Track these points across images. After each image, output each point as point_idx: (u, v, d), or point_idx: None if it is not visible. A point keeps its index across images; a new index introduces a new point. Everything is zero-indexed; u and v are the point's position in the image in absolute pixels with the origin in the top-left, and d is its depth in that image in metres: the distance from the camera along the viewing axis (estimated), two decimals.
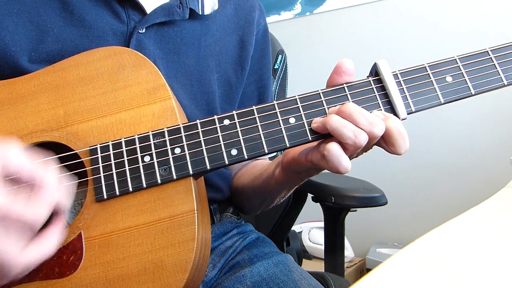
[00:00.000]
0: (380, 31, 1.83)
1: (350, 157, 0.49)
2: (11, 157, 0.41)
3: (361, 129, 0.47)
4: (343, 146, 0.47)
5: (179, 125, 0.51)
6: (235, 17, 0.76)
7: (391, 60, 0.51)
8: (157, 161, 0.50)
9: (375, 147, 0.51)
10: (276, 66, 1.03)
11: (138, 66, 0.54)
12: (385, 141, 0.49)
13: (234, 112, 0.51)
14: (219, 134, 0.50)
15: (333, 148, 0.47)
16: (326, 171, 0.52)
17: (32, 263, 0.42)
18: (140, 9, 0.65)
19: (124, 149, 0.50)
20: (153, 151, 0.50)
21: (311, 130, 0.50)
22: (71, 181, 0.52)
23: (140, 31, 0.64)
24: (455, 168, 1.73)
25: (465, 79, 0.51)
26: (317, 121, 0.50)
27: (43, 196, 0.42)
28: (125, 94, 0.53)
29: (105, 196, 0.49)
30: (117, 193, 0.49)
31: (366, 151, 0.51)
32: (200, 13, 0.70)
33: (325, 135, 0.49)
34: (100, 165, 0.50)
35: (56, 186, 0.43)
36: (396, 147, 0.48)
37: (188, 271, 0.47)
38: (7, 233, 0.40)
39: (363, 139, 0.46)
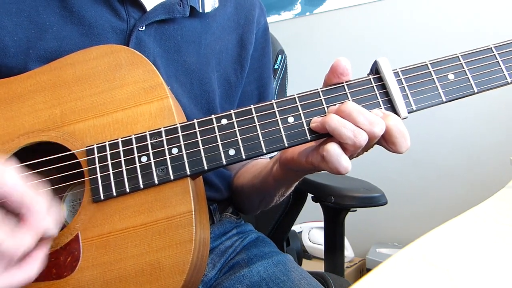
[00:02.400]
0: (380, 31, 1.83)
1: (350, 157, 0.48)
2: (2, 182, 0.40)
3: (361, 128, 0.46)
4: (343, 146, 0.47)
5: (176, 124, 0.50)
6: (235, 16, 0.76)
7: (392, 60, 0.51)
8: (154, 162, 0.49)
9: (375, 146, 0.50)
10: (276, 66, 1.03)
11: (134, 65, 0.54)
12: (385, 140, 0.48)
13: (232, 112, 0.50)
14: (217, 134, 0.50)
15: (332, 148, 0.46)
16: None
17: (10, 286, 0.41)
18: (140, 7, 0.65)
19: (121, 149, 0.50)
20: (150, 151, 0.50)
21: (310, 129, 0.49)
22: (67, 183, 0.51)
23: (140, 29, 0.64)
24: (455, 168, 1.73)
25: (467, 77, 0.50)
26: (316, 121, 0.49)
27: (30, 224, 0.41)
28: (122, 93, 0.53)
29: (102, 197, 0.49)
30: (114, 194, 0.49)
31: (366, 151, 0.50)
32: (201, 11, 0.69)
33: (324, 135, 0.49)
34: (97, 165, 0.50)
35: (44, 215, 0.42)
36: (397, 145, 0.48)
37: (185, 273, 0.46)
38: None
39: (363, 139, 0.46)
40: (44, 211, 0.42)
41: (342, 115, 0.47)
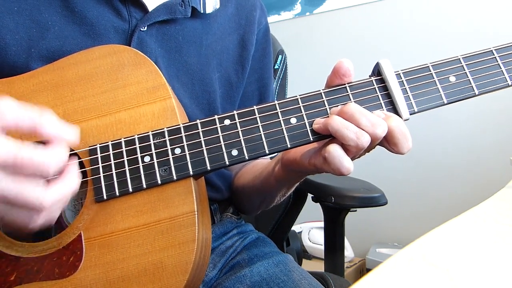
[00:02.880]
0: (380, 31, 1.83)
1: (353, 158, 0.48)
2: (6, 109, 0.40)
3: (363, 130, 0.46)
4: (345, 147, 0.47)
5: (179, 125, 0.50)
6: (236, 16, 0.76)
7: (392, 60, 0.51)
8: (157, 162, 0.49)
9: (376, 146, 0.51)
10: (276, 66, 1.03)
11: (137, 65, 0.54)
12: (387, 141, 0.48)
13: (235, 112, 0.50)
14: (220, 134, 0.50)
15: (334, 149, 0.47)
16: None
17: (58, 201, 0.42)
18: (142, 7, 0.65)
19: (124, 149, 0.50)
20: (153, 151, 0.50)
21: (312, 130, 0.49)
22: None
23: (142, 29, 0.64)
24: (455, 168, 1.73)
25: (468, 79, 0.51)
26: (318, 122, 0.49)
27: (51, 137, 0.41)
28: (125, 93, 0.53)
29: (104, 197, 0.49)
30: (117, 193, 0.49)
31: (368, 152, 0.51)
32: (202, 12, 0.69)
33: (326, 136, 0.49)
34: (100, 165, 0.50)
35: (59, 125, 0.42)
36: (399, 146, 0.48)
37: (188, 272, 0.47)
38: (25, 178, 0.39)
39: (365, 141, 0.46)
40: (57, 120, 0.42)
41: (345, 116, 0.47)
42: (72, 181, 0.44)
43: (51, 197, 0.41)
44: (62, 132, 0.42)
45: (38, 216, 0.41)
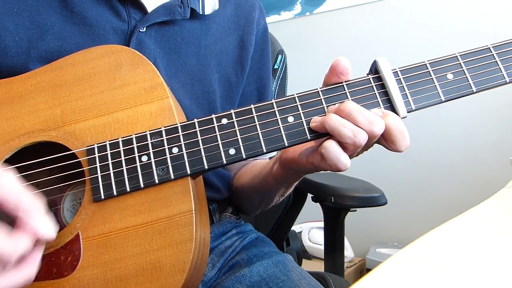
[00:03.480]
0: (380, 31, 1.83)
1: (351, 157, 0.48)
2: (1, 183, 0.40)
3: (361, 128, 0.46)
4: (343, 145, 0.47)
5: (176, 124, 0.50)
6: (235, 17, 0.76)
7: (391, 60, 0.51)
8: (154, 161, 0.49)
9: (374, 146, 0.51)
10: (276, 66, 1.03)
11: (135, 65, 0.54)
12: (385, 139, 0.48)
13: (232, 111, 0.50)
14: (217, 133, 0.50)
15: (329, 145, 0.47)
16: None
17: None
18: (141, 8, 0.65)
19: (121, 148, 0.50)
20: (151, 150, 0.50)
21: (310, 129, 0.49)
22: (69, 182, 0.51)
23: (141, 30, 0.64)
24: (455, 168, 1.73)
25: (466, 76, 0.51)
26: (315, 121, 0.49)
27: (27, 227, 0.41)
28: (122, 93, 0.53)
29: (102, 196, 0.49)
30: (115, 193, 0.49)
31: (366, 150, 0.51)
32: (201, 13, 0.70)
33: (324, 134, 0.49)
34: (98, 165, 0.50)
35: (42, 217, 0.42)
36: (396, 144, 0.48)
37: (186, 272, 0.47)
38: None
39: (362, 138, 0.46)
40: (42, 213, 0.42)
41: (342, 114, 0.47)
42: (29, 272, 0.43)
43: (3, 285, 0.41)
44: (40, 230, 0.41)
45: None
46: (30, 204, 0.41)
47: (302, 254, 1.12)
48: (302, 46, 1.99)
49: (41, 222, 0.41)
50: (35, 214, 0.41)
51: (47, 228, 0.42)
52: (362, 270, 1.85)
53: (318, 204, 0.96)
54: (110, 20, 0.63)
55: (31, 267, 0.43)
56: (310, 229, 1.85)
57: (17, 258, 0.41)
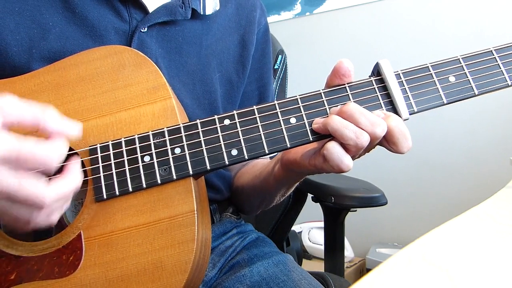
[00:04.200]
0: (380, 31, 1.83)
1: (353, 158, 0.48)
2: (8, 105, 0.40)
3: (363, 129, 0.47)
4: (345, 147, 0.47)
5: (179, 124, 0.51)
6: (236, 16, 0.76)
7: (391, 60, 0.51)
8: (157, 161, 0.50)
9: (376, 147, 0.51)
10: (276, 66, 1.03)
11: (138, 65, 0.54)
12: (387, 141, 0.48)
13: (235, 112, 0.51)
14: (220, 134, 0.50)
15: (332, 146, 0.47)
16: None
17: (59, 199, 0.42)
18: (142, 8, 0.65)
19: (124, 148, 0.50)
20: (153, 151, 0.50)
21: (312, 130, 0.50)
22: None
23: (142, 30, 0.64)
24: (455, 168, 1.73)
25: (468, 79, 0.51)
26: (318, 122, 0.49)
27: (55, 131, 0.42)
28: (125, 93, 0.53)
29: (104, 196, 0.49)
30: (117, 193, 0.49)
31: (368, 151, 0.51)
32: (202, 13, 0.70)
33: (326, 136, 0.49)
34: (100, 165, 0.50)
35: (61, 120, 0.43)
36: (399, 146, 0.48)
37: (187, 272, 0.47)
38: (27, 173, 0.40)
39: (364, 140, 0.46)
40: (58, 116, 0.43)
41: (344, 116, 0.48)
42: (74, 179, 0.44)
43: (53, 193, 0.41)
44: (64, 127, 0.43)
45: (39, 213, 0.41)
46: (45, 112, 0.42)
47: (302, 254, 1.12)
48: (302, 46, 1.99)
49: (62, 123, 0.43)
50: (53, 118, 0.42)
51: (70, 125, 0.43)
52: (362, 270, 1.85)
53: (318, 204, 0.96)
54: (111, 20, 0.63)
55: (75, 174, 0.44)
56: (310, 229, 1.85)
57: (58, 162, 0.41)
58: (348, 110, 0.47)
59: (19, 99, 0.41)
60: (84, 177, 0.50)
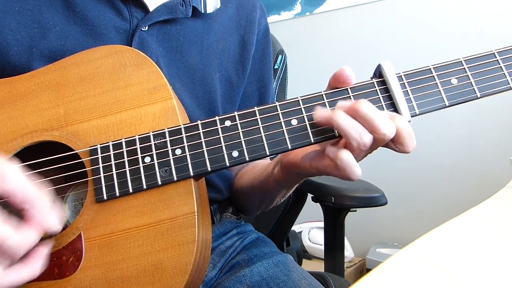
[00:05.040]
0: (380, 31, 1.83)
1: (356, 160, 0.48)
2: (9, 176, 0.40)
3: (375, 132, 0.46)
4: (348, 147, 0.47)
5: (180, 125, 0.50)
6: (236, 17, 0.76)
7: (391, 60, 0.51)
8: (157, 162, 0.49)
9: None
10: (276, 66, 1.03)
11: (139, 65, 0.54)
12: (393, 141, 0.48)
13: (236, 113, 0.50)
14: (220, 135, 0.50)
15: (346, 157, 0.46)
16: None
17: (14, 285, 0.42)
18: (143, 7, 0.65)
19: (124, 149, 0.50)
20: (154, 152, 0.50)
21: (313, 132, 0.49)
22: (71, 183, 0.51)
23: (143, 29, 0.64)
24: (455, 168, 1.73)
25: (470, 82, 0.51)
26: (321, 116, 0.48)
27: (34, 221, 0.41)
28: (126, 93, 0.53)
29: (105, 197, 0.49)
30: (117, 194, 0.49)
31: (371, 152, 0.50)
32: (203, 11, 0.70)
33: (327, 138, 0.49)
34: (100, 165, 0.50)
35: (48, 211, 0.42)
36: (405, 146, 0.48)
37: (188, 273, 0.47)
38: None
39: (368, 140, 0.46)
40: (48, 207, 0.42)
41: (355, 115, 0.47)
42: (34, 268, 0.43)
43: (8, 280, 0.41)
44: (47, 222, 0.42)
45: None
46: (37, 197, 0.42)
47: (302, 254, 1.12)
48: (302, 46, 1.99)
49: (47, 215, 0.42)
50: (42, 207, 0.42)
51: (53, 221, 0.43)
52: (362, 270, 1.85)
53: (318, 204, 0.97)
54: (112, 19, 0.63)
55: (37, 263, 0.43)
56: (310, 229, 1.85)
57: (24, 252, 0.41)
58: (361, 110, 0.46)
59: (21, 173, 0.41)
60: (85, 178, 0.50)
